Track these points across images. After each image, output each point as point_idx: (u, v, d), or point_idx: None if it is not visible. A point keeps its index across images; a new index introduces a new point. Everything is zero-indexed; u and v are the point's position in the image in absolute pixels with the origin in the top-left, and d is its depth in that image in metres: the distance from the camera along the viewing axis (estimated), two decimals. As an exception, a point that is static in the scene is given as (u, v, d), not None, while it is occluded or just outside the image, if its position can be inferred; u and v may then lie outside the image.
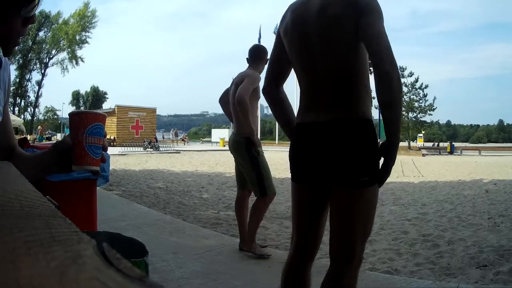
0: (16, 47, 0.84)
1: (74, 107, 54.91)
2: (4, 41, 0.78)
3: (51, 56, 33.66)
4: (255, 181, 2.83)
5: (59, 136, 28.68)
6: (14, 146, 0.97)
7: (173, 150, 23.17)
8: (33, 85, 34.45)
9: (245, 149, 2.83)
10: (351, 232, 1.34)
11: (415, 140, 33.95)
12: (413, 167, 12.53)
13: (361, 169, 1.31)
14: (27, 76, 33.19)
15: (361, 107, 1.34)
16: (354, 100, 1.34)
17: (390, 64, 1.22)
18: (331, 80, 1.37)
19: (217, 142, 35.55)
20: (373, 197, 1.36)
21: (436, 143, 37.61)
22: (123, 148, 21.10)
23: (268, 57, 2.81)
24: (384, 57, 1.23)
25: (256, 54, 3.00)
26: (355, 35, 1.31)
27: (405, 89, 28.83)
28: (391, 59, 1.23)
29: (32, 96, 34.54)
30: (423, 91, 31.02)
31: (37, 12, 0.80)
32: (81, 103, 60.00)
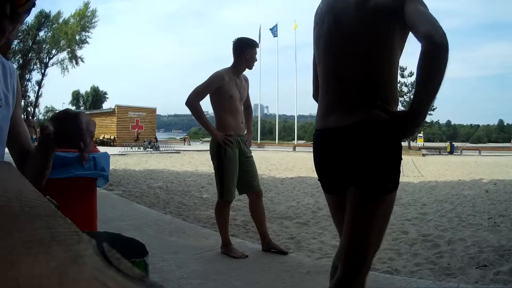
0: (16, 47, 0.84)
1: (74, 107, 54.90)
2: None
3: (51, 56, 33.64)
4: (217, 182, 2.87)
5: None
6: (28, 150, 0.97)
7: (173, 150, 23.18)
8: (33, 85, 34.39)
9: (215, 148, 2.84)
10: (366, 239, 1.28)
11: (415, 140, 33.90)
12: (413, 167, 12.50)
13: (386, 175, 1.26)
14: (27, 76, 33.09)
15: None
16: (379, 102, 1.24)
17: (441, 35, 1.12)
18: (356, 81, 1.28)
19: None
20: (391, 203, 1.31)
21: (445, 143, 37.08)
22: (123, 148, 21.11)
23: (249, 51, 2.81)
24: (436, 28, 1.13)
25: (234, 48, 2.92)
26: (392, 29, 1.22)
27: (405, 89, 28.77)
28: (441, 30, 1.13)
29: (32, 96, 34.45)
30: (423, 91, 30.93)
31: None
32: (81, 103, 60.02)
